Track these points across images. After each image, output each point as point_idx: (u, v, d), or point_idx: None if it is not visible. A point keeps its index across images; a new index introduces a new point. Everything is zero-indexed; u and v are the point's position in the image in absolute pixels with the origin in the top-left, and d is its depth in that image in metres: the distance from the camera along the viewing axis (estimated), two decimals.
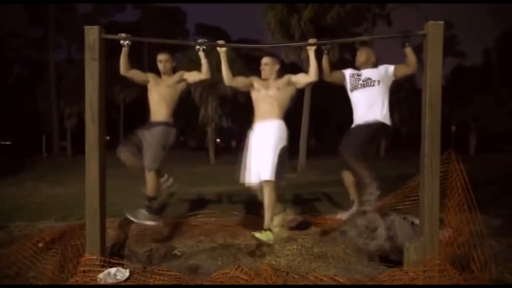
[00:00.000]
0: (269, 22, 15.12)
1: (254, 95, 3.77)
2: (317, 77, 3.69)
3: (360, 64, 3.97)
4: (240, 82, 3.78)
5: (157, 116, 3.79)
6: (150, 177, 3.63)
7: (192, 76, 3.88)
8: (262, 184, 3.54)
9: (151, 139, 3.68)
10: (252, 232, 3.48)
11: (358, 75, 3.89)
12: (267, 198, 3.53)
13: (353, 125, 3.91)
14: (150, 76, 3.93)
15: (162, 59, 3.82)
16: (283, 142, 3.61)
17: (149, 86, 3.92)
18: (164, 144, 3.72)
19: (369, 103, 3.80)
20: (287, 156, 3.70)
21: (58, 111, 25.26)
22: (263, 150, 3.54)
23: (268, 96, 3.65)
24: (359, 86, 3.86)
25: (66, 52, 34.88)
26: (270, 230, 3.52)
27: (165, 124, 3.76)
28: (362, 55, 3.97)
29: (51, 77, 24.91)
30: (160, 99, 3.81)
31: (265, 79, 3.76)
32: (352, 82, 3.90)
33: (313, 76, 3.66)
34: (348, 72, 3.97)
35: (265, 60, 3.77)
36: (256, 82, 3.75)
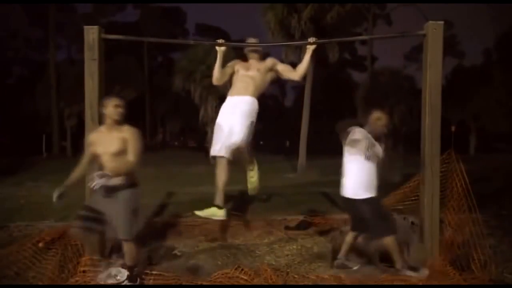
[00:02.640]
0: (269, 22, 15.10)
1: (234, 76, 3.61)
2: (301, 78, 3.62)
3: (380, 129, 3.33)
4: (226, 75, 3.63)
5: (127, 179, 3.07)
6: (129, 247, 3.01)
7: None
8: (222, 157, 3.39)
9: (117, 209, 2.99)
10: (194, 211, 3.38)
11: (373, 144, 3.29)
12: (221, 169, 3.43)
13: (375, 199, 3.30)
14: None
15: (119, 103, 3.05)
16: (253, 118, 3.47)
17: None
18: (135, 208, 3.10)
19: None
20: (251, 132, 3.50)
21: (58, 111, 25.24)
22: (234, 122, 3.40)
23: (246, 75, 3.53)
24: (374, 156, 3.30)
25: (66, 52, 34.94)
26: (216, 206, 3.35)
27: (130, 186, 3.06)
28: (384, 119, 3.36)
29: (51, 77, 24.89)
30: None
31: (245, 61, 3.66)
32: (369, 148, 3.25)
33: (299, 76, 3.57)
34: (366, 135, 3.30)
35: (249, 40, 3.71)
36: (237, 65, 3.62)
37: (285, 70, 3.60)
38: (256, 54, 3.60)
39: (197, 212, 3.33)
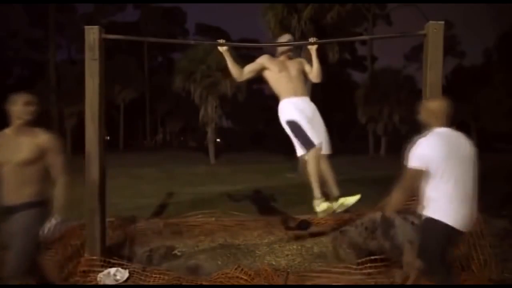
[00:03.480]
0: (269, 22, 15.10)
1: (273, 75, 3.51)
2: (320, 79, 3.62)
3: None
4: (250, 72, 3.56)
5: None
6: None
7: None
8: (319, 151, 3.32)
9: (13, 235, 2.33)
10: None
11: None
12: (327, 167, 3.43)
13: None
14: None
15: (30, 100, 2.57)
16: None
17: None
18: (34, 235, 2.34)
19: None
20: None
21: (58, 111, 25.24)
22: (318, 124, 3.44)
23: (295, 77, 3.51)
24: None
25: (66, 52, 34.98)
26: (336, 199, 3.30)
27: (35, 205, 2.39)
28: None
29: (51, 77, 24.90)
30: None
31: (275, 58, 3.61)
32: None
33: (316, 78, 3.59)
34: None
35: (288, 37, 3.72)
36: (272, 63, 3.53)
37: (309, 72, 3.61)
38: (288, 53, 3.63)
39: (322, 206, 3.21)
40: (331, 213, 3.33)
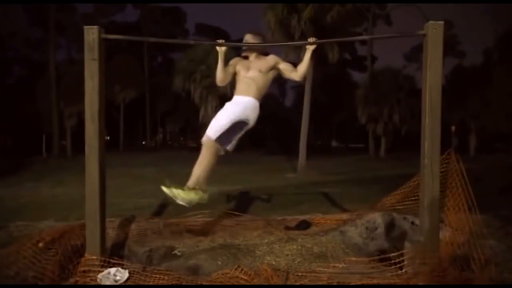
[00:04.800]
0: (269, 22, 15.12)
1: (236, 77, 3.52)
2: (302, 79, 3.56)
3: None
4: (228, 75, 3.52)
5: None
6: None
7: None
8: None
9: None
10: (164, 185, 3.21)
11: None
12: (201, 156, 3.37)
13: None
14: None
15: None
16: (246, 118, 3.37)
17: None
18: None
19: None
20: (240, 133, 3.37)
21: (58, 111, 25.25)
22: (222, 113, 3.39)
23: (247, 77, 3.43)
24: None
25: (66, 52, 34.99)
26: (190, 189, 3.26)
27: None
28: None
29: (51, 77, 24.91)
30: None
31: (245, 58, 3.55)
32: None
33: (300, 76, 3.50)
34: None
35: (246, 37, 3.59)
36: (239, 65, 3.50)
37: (287, 70, 3.52)
38: (254, 52, 3.52)
39: (165, 188, 3.19)
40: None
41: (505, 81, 23.52)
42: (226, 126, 3.26)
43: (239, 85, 3.47)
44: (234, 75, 3.55)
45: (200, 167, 3.35)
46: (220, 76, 3.47)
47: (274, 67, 3.50)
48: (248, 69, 3.47)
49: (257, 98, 3.42)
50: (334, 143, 43.99)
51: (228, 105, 3.45)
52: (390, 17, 33.07)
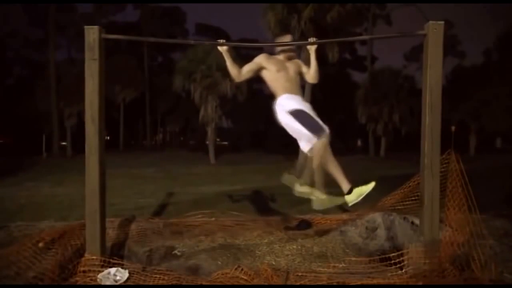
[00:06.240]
0: (269, 22, 15.13)
1: (271, 74, 3.46)
2: (317, 80, 3.61)
3: None
4: (248, 72, 3.51)
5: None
6: None
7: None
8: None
9: None
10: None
11: None
12: (324, 158, 3.25)
13: None
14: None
15: None
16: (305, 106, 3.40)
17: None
18: None
19: None
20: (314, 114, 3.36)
21: (58, 111, 25.24)
22: (303, 114, 3.28)
23: (291, 76, 3.47)
24: None
25: (66, 52, 34.96)
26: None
27: None
28: None
29: (51, 77, 24.88)
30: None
31: (273, 57, 3.57)
32: None
33: (313, 78, 3.57)
34: None
35: (288, 37, 3.65)
36: (265, 62, 3.48)
37: (306, 73, 3.59)
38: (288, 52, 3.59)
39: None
40: (352, 204, 3.27)
41: (505, 81, 23.53)
42: (315, 117, 3.23)
43: (288, 84, 3.44)
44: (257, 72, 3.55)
45: (335, 168, 3.26)
46: (235, 72, 3.48)
47: (300, 70, 3.59)
48: (285, 68, 3.49)
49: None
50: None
51: (294, 105, 3.31)
52: (390, 17, 33.09)
